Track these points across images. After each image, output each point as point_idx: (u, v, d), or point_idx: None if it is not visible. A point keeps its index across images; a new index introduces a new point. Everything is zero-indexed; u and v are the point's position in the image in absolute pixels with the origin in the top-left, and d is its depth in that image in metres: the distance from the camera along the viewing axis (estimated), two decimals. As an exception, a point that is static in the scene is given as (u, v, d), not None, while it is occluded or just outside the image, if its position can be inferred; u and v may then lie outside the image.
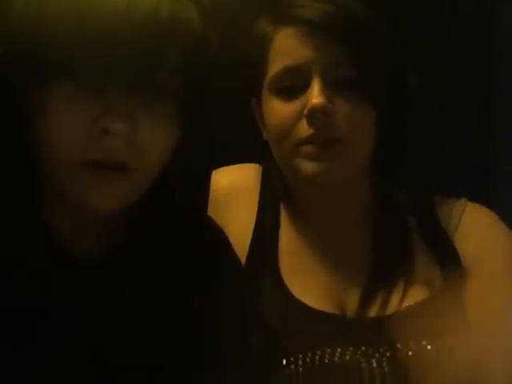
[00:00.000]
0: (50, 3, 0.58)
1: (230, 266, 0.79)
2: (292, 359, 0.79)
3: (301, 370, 0.78)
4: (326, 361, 0.78)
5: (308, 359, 0.79)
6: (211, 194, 0.87)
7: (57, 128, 0.60)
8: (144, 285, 0.68)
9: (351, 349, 0.79)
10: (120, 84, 0.59)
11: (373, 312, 0.82)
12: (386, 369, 0.78)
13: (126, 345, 0.65)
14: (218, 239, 0.79)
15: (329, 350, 0.79)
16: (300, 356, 0.79)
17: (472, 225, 0.88)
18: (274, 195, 0.93)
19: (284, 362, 0.79)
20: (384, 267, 0.85)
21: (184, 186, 0.70)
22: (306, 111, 0.82)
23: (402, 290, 0.83)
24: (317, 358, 0.79)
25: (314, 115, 0.81)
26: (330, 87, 0.82)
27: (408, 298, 0.83)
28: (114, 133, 0.59)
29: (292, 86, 0.84)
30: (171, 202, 0.69)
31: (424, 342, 0.79)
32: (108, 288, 0.66)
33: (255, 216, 0.92)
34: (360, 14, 0.85)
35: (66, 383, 0.62)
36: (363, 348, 0.79)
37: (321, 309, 0.83)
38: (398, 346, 0.79)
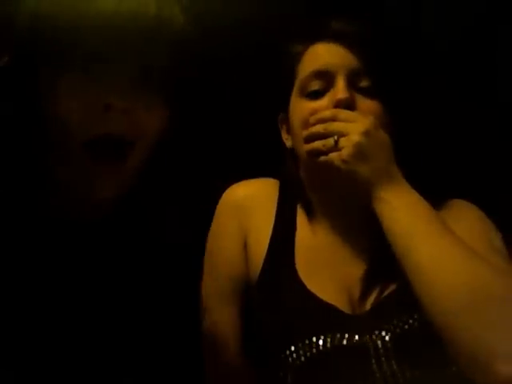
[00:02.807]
0: (56, 7, 0.71)
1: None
2: (307, 342, 0.88)
3: (314, 351, 0.88)
4: (336, 343, 0.88)
5: (321, 341, 0.88)
6: (234, 201, 1.05)
7: (65, 106, 0.71)
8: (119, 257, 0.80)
9: (357, 336, 0.88)
10: (117, 68, 0.71)
11: (373, 303, 0.92)
12: (390, 349, 0.87)
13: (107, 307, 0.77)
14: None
15: (338, 335, 0.88)
16: (313, 339, 0.88)
17: (453, 215, 0.95)
18: (291, 202, 1.05)
19: (298, 345, 0.89)
20: (382, 265, 0.93)
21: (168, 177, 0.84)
22: (332, 105, 0.94)
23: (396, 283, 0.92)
24: (328, 340, 0.88)
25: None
26: (351, 90, 0.95)
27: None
28: (115, 108, 0.71)
29: (318, 89, 0.97)
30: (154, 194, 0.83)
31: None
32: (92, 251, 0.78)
33: (274, 220, 1.03)
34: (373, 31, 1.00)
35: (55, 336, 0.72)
36: (367, 334, 0.88)
37: (329, 300, 0.92)
38: (396, 324, 0.88)
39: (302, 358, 0.87)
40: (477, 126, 1.21)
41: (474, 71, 1.24)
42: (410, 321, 0.87)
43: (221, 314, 0.99)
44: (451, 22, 1.24)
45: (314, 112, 0.95)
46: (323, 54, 0.99)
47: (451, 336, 0.79)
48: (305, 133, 0.95)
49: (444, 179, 1.09)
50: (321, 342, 0.87)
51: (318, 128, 0.93)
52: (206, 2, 0.92)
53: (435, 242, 0.84)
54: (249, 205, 1.04)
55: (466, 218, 0.96)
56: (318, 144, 0.93)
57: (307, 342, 0.88)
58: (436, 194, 0.95)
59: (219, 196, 1.08)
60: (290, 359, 0.88)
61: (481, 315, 0.77)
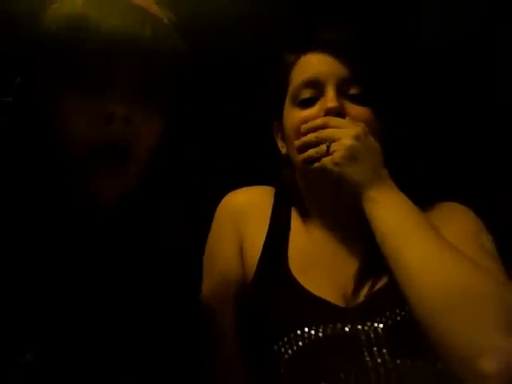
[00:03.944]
0: (59, 24, 0.78)
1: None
2: (299, 332, 0.89)
3: (306, 341, 0.89)
4: (328, 333, 0.89)
5: (313, 332, 0.89)
6: (232, 207, 1.07)
7: (70, 115, 0.76)
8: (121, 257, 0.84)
9: (349, 326, 0.89)
10: (118, 80, 0.77)
11: (366, 296, 0.93)
12: (382, 339, 0.87)
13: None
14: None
15: (330, 326, 0.89)
16: (305, 329, 0.89)
17: (443, 217, 0.96)
18: (286, 207, 1.07)
19: (290, 335, 0.90)
20: (374, 261, 0.94)
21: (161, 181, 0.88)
22: (322, 114, 0.96)
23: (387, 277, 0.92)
24: (320, 330, 0.89)
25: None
26: (341, 98, 0.97)
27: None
28: (117, 116, 0.75)
29: (309, 97, 0.99)
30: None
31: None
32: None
33: (269, 222, 1.06)
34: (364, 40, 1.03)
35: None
36: (360, 324, 0.89)
37: (322, 296, 0.93)
38: (388, 316, 0.89)
39: (294, 348, 0.88)
40: (476, 127, 1.21)
41: (473, 72, 1.24)
42: (403, 313, 0.88)
43: (219, 314, 1.00)
44: (451, 22, 1.24)
45: (305, 121, 0.97)
46: (313, 64, 1.01)
47: (439, 336, 0.79)
48: (297, 143, 0.98)
49: (438, 183, 1.11)
50: (313, 332, 0.88)
51: (310, 137, 0.95)
52: (201, 6, 0.94)
53: (421, 243, 0.85)
54: (246, 211, 1.07)
55: (456, 220, 0.97)
56: (311, 152, 0.95)
57: (299, 332, 0.89)
58: (427, 197, 0.98)
59: (218, 198, 1.10)
60: (282, 350, 0.89)
61: (468, 316, 0.78)
